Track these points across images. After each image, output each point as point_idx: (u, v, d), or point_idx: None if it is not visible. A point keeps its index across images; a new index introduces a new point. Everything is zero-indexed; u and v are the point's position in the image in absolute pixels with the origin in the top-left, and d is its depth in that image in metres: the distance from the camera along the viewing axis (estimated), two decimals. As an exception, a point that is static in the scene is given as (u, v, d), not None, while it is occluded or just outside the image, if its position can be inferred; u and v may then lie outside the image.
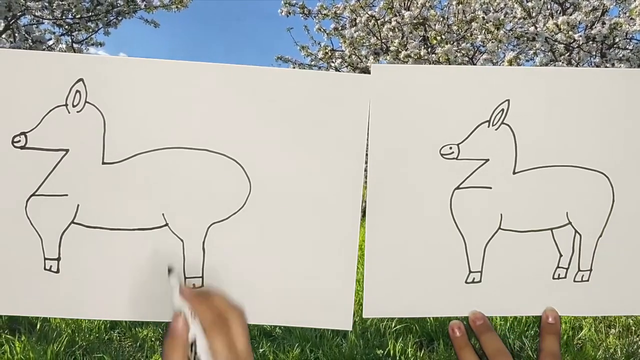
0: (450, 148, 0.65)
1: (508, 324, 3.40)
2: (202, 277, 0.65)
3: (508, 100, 0.65)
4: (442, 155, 0.65)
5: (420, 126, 0.65)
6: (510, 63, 4.66)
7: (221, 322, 0.57)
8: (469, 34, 5.57)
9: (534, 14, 5.51)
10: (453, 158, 0.65)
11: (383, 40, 5.95)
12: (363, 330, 3.36)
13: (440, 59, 5.07)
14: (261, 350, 3.09)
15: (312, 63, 6.95)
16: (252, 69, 0.64)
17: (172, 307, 0.56)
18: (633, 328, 3.45)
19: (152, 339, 3.28)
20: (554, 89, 0.65)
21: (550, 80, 0.65)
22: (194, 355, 0.54)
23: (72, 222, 0.63)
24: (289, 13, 6.53)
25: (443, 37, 5.51)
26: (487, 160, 0.65)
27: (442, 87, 0.65)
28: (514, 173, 0.66)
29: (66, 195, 0.63)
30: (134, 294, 0.65)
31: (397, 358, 3.03)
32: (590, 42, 4.77)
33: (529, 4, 5.38)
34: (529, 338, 3.25)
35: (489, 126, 0.65)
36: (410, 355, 3.06)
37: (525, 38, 4.85)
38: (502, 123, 0.65)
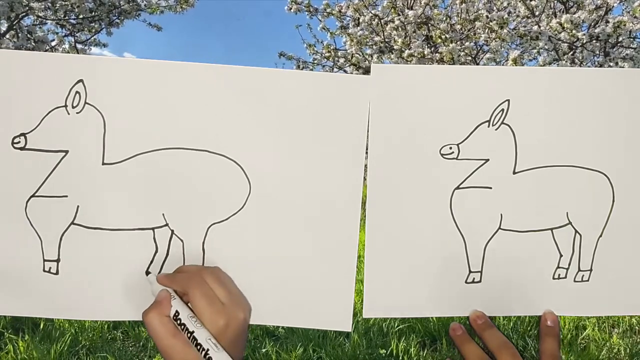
0: (450, 148, 0.65)
1: (511, 324, 3.39)
2: (202, 277, 0.65)
3: (508, 100, 0.64)
4: (442, 155, 0.65)
5: (420, 126, 0.65)
6: (514, 62, 4.65)
7: (196, 278, 0.59)
8: (472, 33, 5.55)
9: (537, 13, 5.49)
10: (453, 158, 0.65)
11: (386, 39, 5.95)
12: (366, 330, 3.35)
13: (445, 58, 5.06)
14: (264, 350, 3.10)
15: (315, 62, 6.96)
16: (252, 69, 0.64)
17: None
18: (637, 328, 3.44)
19: (155, 338, 3.29)
20: (554, 89, 0.65)
21: (550, 80, 0.65)
22: (180, 327, 0.57)
23: (72, 223, 0.63)
24: (298, 11, 6.53)
25: (447, 36, 5.50)
26: (487, 160, 0.65)
27: (442, 87, 0.64)
28: (514, 173, 0.65)
29: (66, 196, 0.63)
30: (134, 294, 0.65)
31: (400, 357, 3.03)
32: (594, 41, 4.75)
33: (532, 3, 5.37)
34: (532, 338, 3.24)
35: (489, 126, 0.65)
36: (413, 355, 3.06)
37: (529, 37, 4.84)
38: (502, 123, 0.65)
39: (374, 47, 6.13)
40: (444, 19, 5.78)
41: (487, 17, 5.08)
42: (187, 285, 0.59)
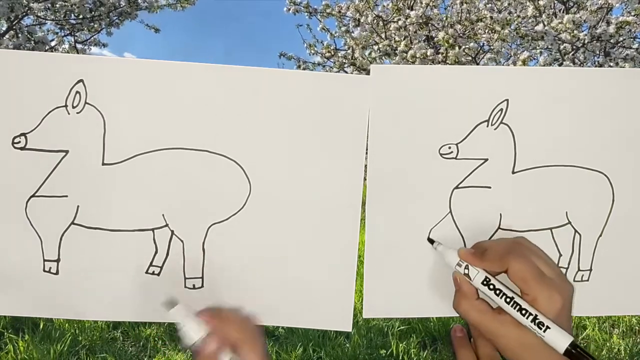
0: (450, 148, 0.65)
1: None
2: (202, 277, 0.65)
3: (507, 100, 0.65)
4: (441, 155, 0.65)
5: (420, 126, 0.65)
6: (524, 62, 4.65)
7: (251, 337, 0.59)
8: (472, 34, 5.55)
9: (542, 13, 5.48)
10: (452, 158, 0.65)
11: (388, 39, 5.94)
12: (366, 330, 3.35)
13: (450, 60, 5.06)
14: (264, 349, 3.09)
15: (316, 62, 6.98)
16: (252, 69, 0.64)
17: (187, 338, 0.56)
18: (637, 327, 3.44)
19: (155, 338, 3.29)
20: (553, 88, 0.65)
21: (549, 80, 0.65)
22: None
23: (72, 223, 0.63)
24: (297, 11, 6.51)
25: (453, 38, 5.48)
26: (486, 159, 0.65)
27: (441, 87, 0.64)
28: (513, 172, 0.65)
29: (66, 196, 0.63)
30: (134, 294, 0.65)
31: (400, 358, 3.03)
32: (595, 41, 4.75)
33: (541, 2, 5.35)
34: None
35: (487, 126, 0.65)
36: (413, 356, 3.06)
37: (530, 37, 4.83)
38: (501, 123, 0.65)
39: (375, 47, 6.13)
40: (446, 19, 5.77)
41: (490, 17, 5.07)
42: (240, 344, 0.57)
